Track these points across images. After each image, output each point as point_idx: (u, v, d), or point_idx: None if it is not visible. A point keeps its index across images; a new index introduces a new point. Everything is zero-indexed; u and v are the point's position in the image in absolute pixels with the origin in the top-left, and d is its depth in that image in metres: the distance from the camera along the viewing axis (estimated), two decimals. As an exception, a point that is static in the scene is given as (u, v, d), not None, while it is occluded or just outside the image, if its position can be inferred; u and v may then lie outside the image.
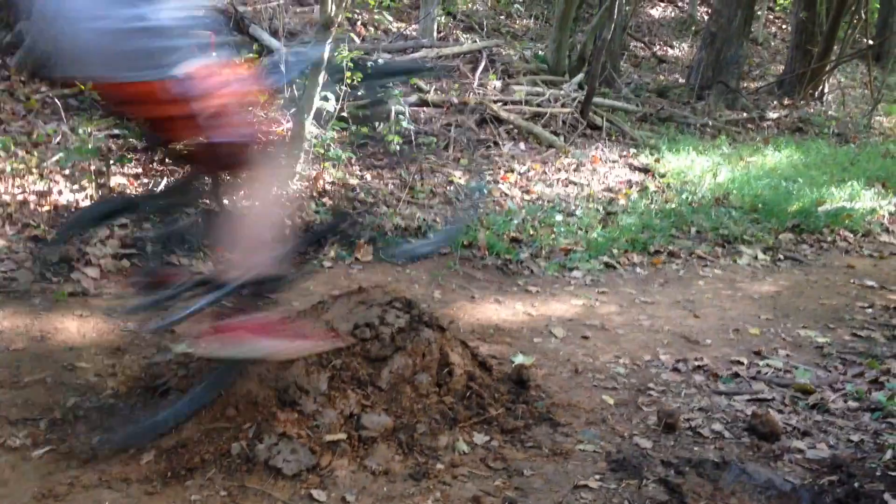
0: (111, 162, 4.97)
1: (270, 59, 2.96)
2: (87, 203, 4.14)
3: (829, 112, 11.91)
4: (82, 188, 4.74)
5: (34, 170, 4.81)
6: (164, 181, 2.63)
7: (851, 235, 6.15)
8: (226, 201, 2.57)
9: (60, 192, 4.64)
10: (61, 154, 4.88)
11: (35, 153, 5.07)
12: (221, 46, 2.19)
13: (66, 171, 4.87)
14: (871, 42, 14.28)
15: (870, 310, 4.43)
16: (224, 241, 2.48)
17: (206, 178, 2.57)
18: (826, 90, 12.71)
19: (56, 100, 5.96)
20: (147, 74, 2.04)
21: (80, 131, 5.32)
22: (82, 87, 5.59)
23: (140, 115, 2.23)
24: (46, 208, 4.42)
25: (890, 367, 3.45)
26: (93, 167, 4.88)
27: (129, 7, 1.98)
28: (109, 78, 2.08)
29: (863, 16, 13.51)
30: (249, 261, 2.42)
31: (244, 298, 2.50)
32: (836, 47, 12.76)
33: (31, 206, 4.40)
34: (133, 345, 3.23)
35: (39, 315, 3.39)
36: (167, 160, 2.44)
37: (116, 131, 5.62)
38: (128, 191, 3.40)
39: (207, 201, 2.57)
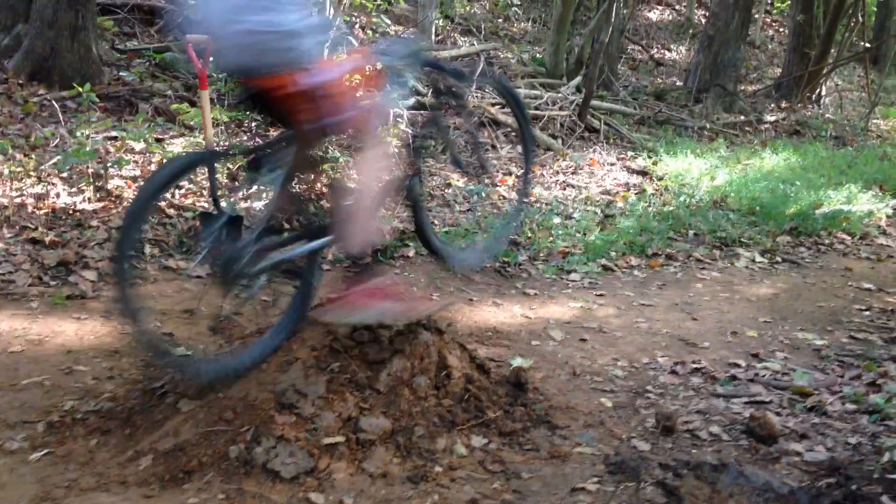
0: (109, 164, 4.97)
1: (377, 44, 3.12)
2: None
3: (827, 115, 11.93)
4: (80, 191, 4.74)
5: (32, 172, 4.82)
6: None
7: (849, 238, 6.17)
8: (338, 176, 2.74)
9: (58, 195, 4.64)
10: (59, 157, 4.88)
11: (33, 156, 5.07)
12: (335, 41, 2.46)
13: (64, 174, 4.87)
14: (868, 45, 14.29)
15: (867, 312, 4.43)
16: (337, 213, 2.77)
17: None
18: (823, 93, 12.73)
19: (54, 102, 5.96)
20: (279, 69, 2.39)
21: (78, 134, 5.32)
22: (80, 90, 5.60)
23: (275, 104, 2.52)
24: (44, 211, 4.42)
25: (887, 369, 3.45)
26: (91, 170, 4.88)
27: (260, 14, 2.34)
28: (250, 72, 2.47)
29: (860, 19, 13.53)
30: (359, 230, 2.67)
31: (358, 266, 2.74)
32: (833, 50, 12.79)
33: (29, 208, 4.40)
34: (131, 348, 3.22)
35: (37, 318, 3.39)
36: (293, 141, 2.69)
37: (114, 133, 5.63)
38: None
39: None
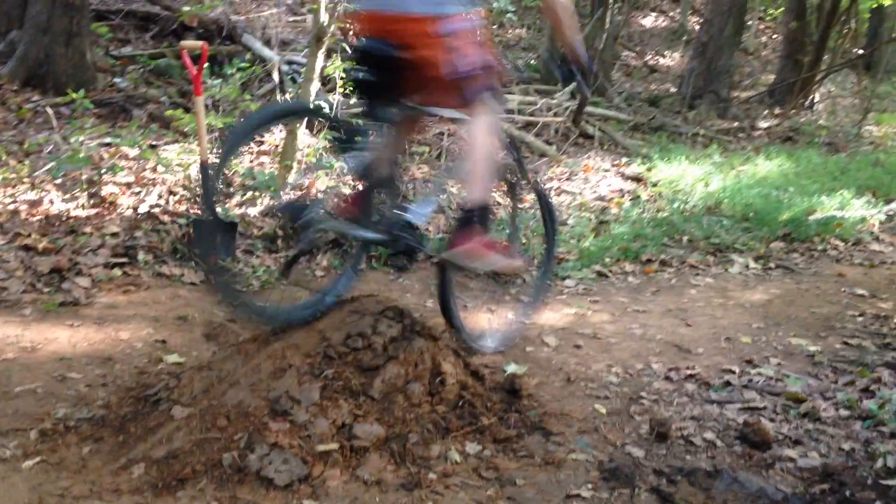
0: (103, 171, 4.97)
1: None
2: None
3: (820, 121, 11.98)
4: (74, 197, 4.73)
5: (25, 179, 4.81)
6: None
7: (842, 244, 6.19)
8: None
9: (52, 202, 4.63)
10: (53, 163, 4.87)
11: (26, 162, 5.06)
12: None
13: (58, 181, 4.86)
14: (861, 52, 14.38)
15: (860, 318, 4.44)
16: (457, 171, 3.09)
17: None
18: (816, 99, 12.79)
19: (48, 109, 5.96)
20: (426, 10, 2.69)
21: (72, 140, 5.32)
22: (74, 96, 5.59)
23: (408, 45, 2.72)
24: (38, 217, 4.40)
25: (881, 375, 3.46)
26: (84, 176, 4.87)
27: None
28: (399, 12, 2.72)
29: (853, 26, 13.60)
30: (478, 187, 2.87)
31: (473, 221, 2.87)
32: (826, 57, 12.84)
33: (23, 215, 4.39)
34: (124, 354, 3.22)
35: (30, 325, 3.38)
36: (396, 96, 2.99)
37: (108, 140, 5.62)
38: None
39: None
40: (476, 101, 2.83)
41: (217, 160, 2.77)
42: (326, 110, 3.32)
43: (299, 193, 3.17)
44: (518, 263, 3.08)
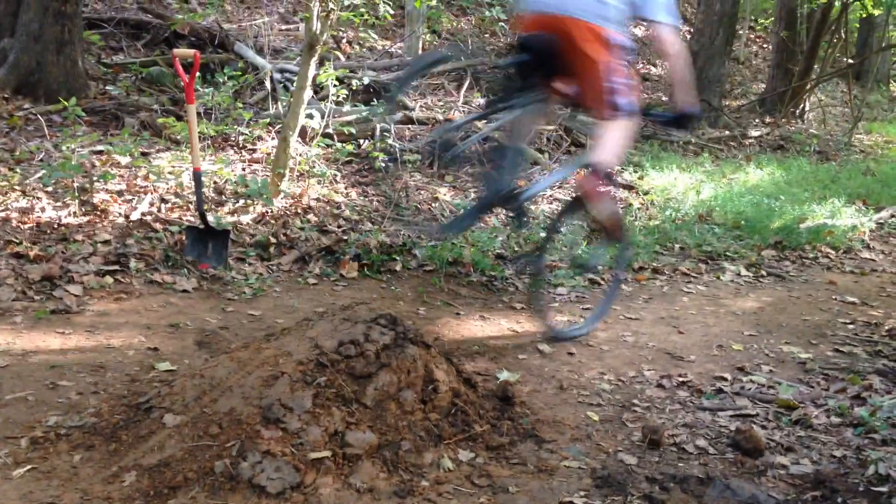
0: (95, 179, 4.96)
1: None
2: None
3: (811, 130, 12.04)
4: (65, 205, 4.72)
5: (17, 186, 4.80)
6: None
7: (833, 252, 6.21)
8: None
9: (43, 209, 4.62)
10: (44, 171, 4.86)
11: (18, 170, 5.05)
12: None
13: (49, 188, 4.85)
14: (851, 61, 14.46)
15: (851, 326, 4.46)
16: (596, 142, 3.61)
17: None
18: (807, 108, 12.85)
19: (39, 116, 5.95)
20: (601, 22, 3.35)
21: (64, 148, 5.31)
22: (66, 104, 5.58)
23: (577, 46, 3.36)
24: (29, 225, 4.39)
25: (872, 382, 3.47)
26: (76, 184, 4.86)
27: None
28: (578, 18, 3.34)
29: (843, 35, 13.68)
30: (608, 155, 3.46)
31: (600, 173, 3.44)
32: (816, 66, 12.92)
33: (14, 222, 4.37)
34: (116, 362, 3.21)
35: (21, 333, 3.37)
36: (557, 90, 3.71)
37: (100, 147, 5.61)
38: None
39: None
40: (618, 110, 3.43)
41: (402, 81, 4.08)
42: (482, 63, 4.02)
43: (450, 136, 3.83)
44: (619, 211, 3.89)
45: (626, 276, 4.91)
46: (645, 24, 3.61)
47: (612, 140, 3.48)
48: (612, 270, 4.50)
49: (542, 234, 4.09)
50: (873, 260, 6.19)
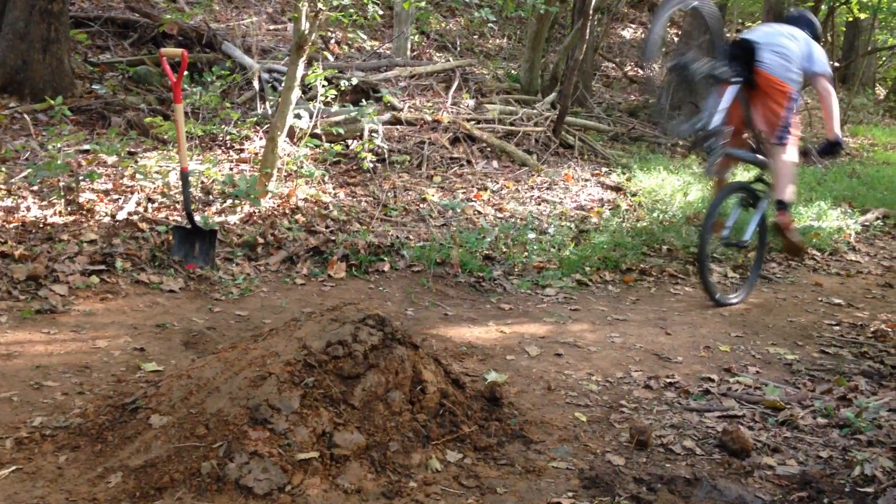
0: (80, 178, 4.93)
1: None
2: None
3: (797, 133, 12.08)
4: (51, 204, 4.69)
5: (2, 186, 4.76)
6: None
7: (819, 254, 6.25)
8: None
9: (28, 208, 4.59)
10: (30, 170, 4.83)
11: (3, 169, 5.02)
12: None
13: (35, 187, 4.82)
14: (837, 64, 14.53)
15: (837, 327, 4.49)
16: (774, 177, 4.84)
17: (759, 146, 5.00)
18: (793, 111, 12.89)
19: (25, 115, 5.91)
20: (788, 80, 4.63)
21: (50, 147, 5.28)
22: (52, 102, 5.55)
23: (770, 100, 4.68)
24: (14, 224, 4.36)
25: (857, 384, 3.50)
26: (62, 183, 4.83)
27: (788, 46, 4.66)
28: (770, 70, 4.62)
29: (829, 38, 13.76)
30: (787, 190, 4.75)
31: (786, 208, 4.75)
32: (802, 69, 12.96)
33: (-1, 222, 4.34)
34: (101, 363, 3.19)
35: (6, 333, 3.34)
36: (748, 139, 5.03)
37: (86, 147, 5.58)
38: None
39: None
40: (783, 146, 4.71)
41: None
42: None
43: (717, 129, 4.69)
44: (799, 239, 5.08)
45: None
46: (808, 75, 4.72)
47: (786, 179, 4.74)
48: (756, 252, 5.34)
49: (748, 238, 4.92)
50: (859, 262, 6.23)
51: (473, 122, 8.08)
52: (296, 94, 5.43)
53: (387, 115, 7.56)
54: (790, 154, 4.74)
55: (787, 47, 4.63)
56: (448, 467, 2.56)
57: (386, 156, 6.92)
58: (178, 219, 4.84)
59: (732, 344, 4.10)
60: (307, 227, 5.21)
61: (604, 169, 8.17)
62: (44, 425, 2.63)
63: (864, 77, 16.78)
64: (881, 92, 18.24)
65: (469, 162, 7.51)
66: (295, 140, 6.46)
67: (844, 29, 16.91)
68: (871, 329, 4.43)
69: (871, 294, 5.30)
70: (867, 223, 7.17)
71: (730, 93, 4.68)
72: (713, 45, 4.94)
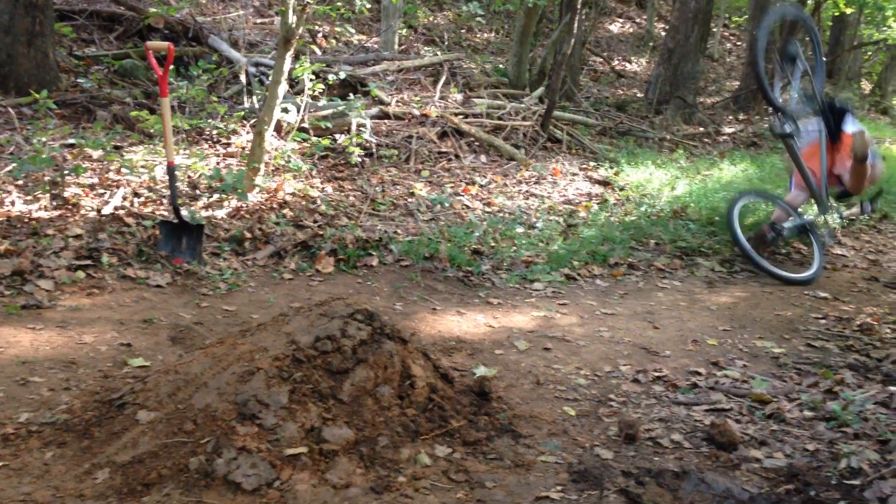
0: (66, 172, 4.89)
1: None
2: None
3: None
4: (36, 199, 4.65)
5: (-14, 180, 4.72)
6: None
7: (805, 248, 6.27)
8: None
9: (13, 203, 4.56)
10: (14, 164, 4.78)
11: (-13, 163, 4.97)
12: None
13: (20, 182, 4.78)
14: (823, 59, 14.56)
15: (823, 321, 4.51)
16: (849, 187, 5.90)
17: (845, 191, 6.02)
18: (780, 106, 12.95)
19: (10, 109, 5.86)
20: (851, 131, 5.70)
21: (35, 141, 5.24)
22: (37, 96, 5.50)
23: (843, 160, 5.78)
24: (-1, 219, 4.33)
25: (843, 377, 3.52)
26: (47, 177, 4.79)
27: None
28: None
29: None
30: (861, 185, 5.81)
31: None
32: (789, 64, 13.01)
33: (-17, 216, 4.30)
34: (88, 358, 3.17)
35: (-9, 328, 3.32)
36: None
37: (72, 141, 5.54)
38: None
39: None
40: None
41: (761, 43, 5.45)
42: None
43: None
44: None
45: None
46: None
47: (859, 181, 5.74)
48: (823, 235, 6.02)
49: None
50: (845, 256, 6.26)
51: (461, 117, 8.07)
52: (283, 88, 5.40)
53: (374, 110, 7.54)
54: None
55: None
56: (437, 462, 2.56)
57: (374, 150, 6.90)
58: (165, 213, 4.81)
59: (720, 338, 4.11)
60: (295, 222, 5.19)
61: (592, 163, 8.18)
62: (30, 421, 2.61)
63: (850, 72, 16.88)
64: (867, 86, 18.35)
65: (457, 156, 7.51)
66: (282, 134, 6.44)
67: (831, 24, 16.98)
68: (857, 322, 4.46)
69: (856, 288, 5.33)
70: (853, 217, 7.21)
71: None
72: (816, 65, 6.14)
